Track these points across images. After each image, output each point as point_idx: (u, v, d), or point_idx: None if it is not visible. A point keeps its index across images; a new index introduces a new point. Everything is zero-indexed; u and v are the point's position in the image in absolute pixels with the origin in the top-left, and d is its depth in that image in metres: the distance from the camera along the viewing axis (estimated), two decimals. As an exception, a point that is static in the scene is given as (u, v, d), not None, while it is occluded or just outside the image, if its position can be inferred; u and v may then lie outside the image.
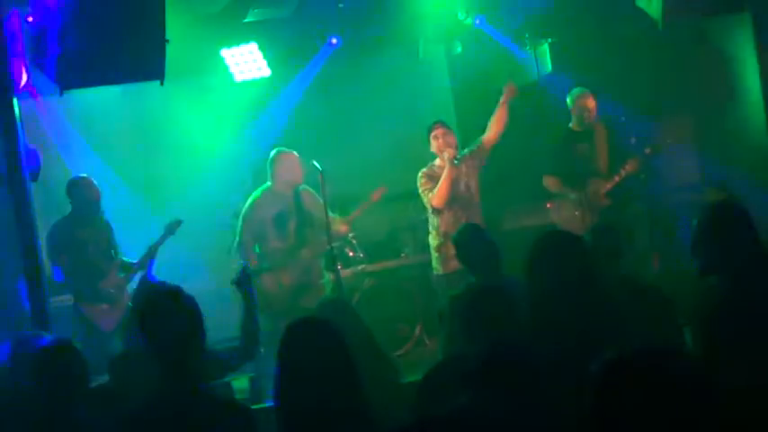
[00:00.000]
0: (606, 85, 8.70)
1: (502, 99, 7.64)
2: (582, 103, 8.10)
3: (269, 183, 7.89)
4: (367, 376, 3.56)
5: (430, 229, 7.73)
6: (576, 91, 8.17)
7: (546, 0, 8.79)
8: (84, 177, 7.79)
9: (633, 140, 8.04)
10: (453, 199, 7.51)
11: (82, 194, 7.66)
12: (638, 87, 9.00)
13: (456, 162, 7.44)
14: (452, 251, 6.29)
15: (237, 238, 7.92)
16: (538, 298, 3.88)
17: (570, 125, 8.24)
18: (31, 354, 4.34)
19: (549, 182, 8.21)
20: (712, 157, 8.92)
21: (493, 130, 7.67)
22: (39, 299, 5.70)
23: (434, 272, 7.68)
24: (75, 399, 4.01)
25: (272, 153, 7.90)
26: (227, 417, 3.53)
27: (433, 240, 7.67)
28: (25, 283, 5.84)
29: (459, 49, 9.86)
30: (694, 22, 8.26)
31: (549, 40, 9.03)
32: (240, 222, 7.89)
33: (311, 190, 7.71)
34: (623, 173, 7.94)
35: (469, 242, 5.63)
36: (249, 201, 7.91)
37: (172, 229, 7.89)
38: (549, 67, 9.09)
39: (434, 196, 7.47)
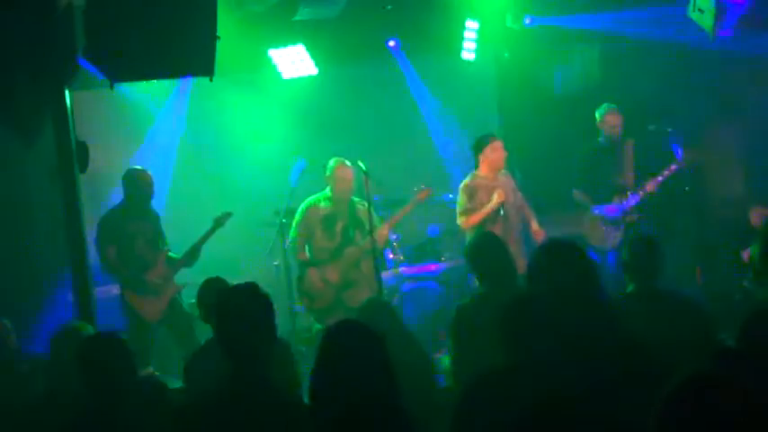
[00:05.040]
0: (655, 94, 8.65)
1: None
2: (609, 119, 8.20)
3: (327, 189, 8.09)
4: (406, 380, 3.55)
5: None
6: (603, 107, 8.26)
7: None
8: (143, 171, 7.82)
9: (670, 129, 8.05)
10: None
11: (138, 187, 7.71)
12: (687, 99, 8.93)
13: (501, 212, 7.55)
14: None
15: (291, 235, 8.16)
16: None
17: (598, 140, 8.31)
18: (76, 344, 4.37)
19: (577, 196, 8.35)
20: (760, 173, 8.82)
21: None
22: (84, 290, 5.74)
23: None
24: (122, 390, 4.05)
25: (331, 162, 8.04)
26: (286, 411, 3.55)
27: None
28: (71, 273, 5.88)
29: (506, 55, 9.85)
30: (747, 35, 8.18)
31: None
32: (294, 222, 8.12)
33: (366, 204, 7.73)
34: (648, 189, 7.99)
35: (485, 251, 5.48)
36: (306, 202, 8.12)
37: (221, 221, 7.93)
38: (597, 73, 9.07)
39: (465, 221, 7.66)
